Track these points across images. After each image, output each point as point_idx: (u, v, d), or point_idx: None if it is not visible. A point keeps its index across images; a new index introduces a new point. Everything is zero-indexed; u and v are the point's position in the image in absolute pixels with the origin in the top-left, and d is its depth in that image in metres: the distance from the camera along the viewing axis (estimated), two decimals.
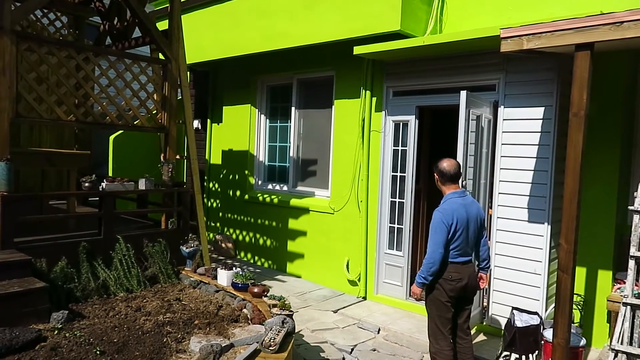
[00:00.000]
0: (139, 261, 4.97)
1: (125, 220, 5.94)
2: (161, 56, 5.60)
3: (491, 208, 5.28)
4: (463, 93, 4.65)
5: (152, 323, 3.86)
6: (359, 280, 6.35)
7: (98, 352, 3.26)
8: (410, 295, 3.86)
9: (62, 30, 6.94)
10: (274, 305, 3.97)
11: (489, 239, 5.26)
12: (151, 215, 6.42)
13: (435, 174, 3.88)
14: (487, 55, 5.15)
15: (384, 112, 6.12)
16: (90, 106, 4.98)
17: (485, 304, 5.34)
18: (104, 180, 5.06)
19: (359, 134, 6.33)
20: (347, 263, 6.53)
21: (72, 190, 5.71)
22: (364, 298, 6.30)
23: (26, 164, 5.28)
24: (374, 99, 6.22)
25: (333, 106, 6.79)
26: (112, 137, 8.62)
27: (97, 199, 5.41)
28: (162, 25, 6.14)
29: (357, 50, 5.71)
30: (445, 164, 3.81)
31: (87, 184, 4.91)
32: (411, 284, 5.99)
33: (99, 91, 5.10)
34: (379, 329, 5.28)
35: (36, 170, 6.34)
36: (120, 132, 8.62)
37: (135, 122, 5.66)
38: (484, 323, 5.26)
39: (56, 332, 3.56)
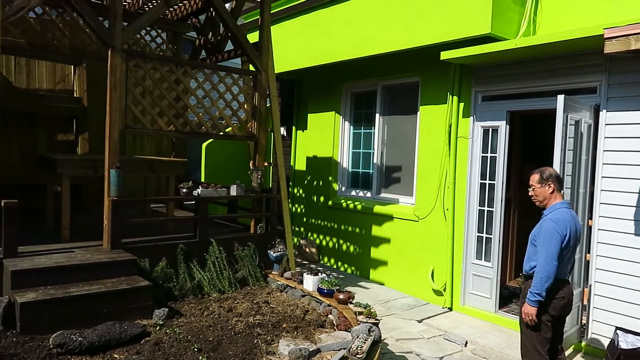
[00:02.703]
0: (230, 263, 5.22)
1: (217, 224, 6.26)
2: (252, 67, 5.85)
3: (591, 219, 4.93)
4: (560, 97, 4.40)
5: (244, 324, 4.03)
6: (444, 290, 6.20)
7: (196, 350, 3.47)
8: (522, 318, 3.54)
9: (162, 45, 7.49)
10: (360, 313, 3.99)
11: (589, 252, 4.92)
12: (240, 220, 6.70)
13: (546, 182, 3.54)
14: (587, 56, 4.84)
15: (471, 117, 5.94)
16: (187, 117, 5.32)
17: (584, 321, 4.99)
18: (199, 186, 5.37)
19: (445, 140, 6.19)
20: (432, 272, 6.39)
21: (170, 196, 6.12)
22: (450, 309, 6.13)
23: (131, 171, 5.74)
24: (462, 105, 6.05)
25: (418, 112, 6.71)
26: (204, 145, 9.13)
27: (192, 203, 5.76)
28: (251, 37, 6.42)
29: (444, 55, 5.59)
30: (555, 172, 3.61)
31: (184, 190, 5.26)
32: (501, 296, 5.80)
33: (196, 102, 5.43)
34: (467, 342, 5.12)
35: (139, 176, 6.87)
36: (211, 139, 9.11)
37: (227, 131, 5.97)
38: (583, 343, 4.92)
39: (158, 328, 3.83)
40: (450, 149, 6.12)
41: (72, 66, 7.22)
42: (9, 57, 6.65)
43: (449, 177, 6.16)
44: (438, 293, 6.30)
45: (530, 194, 3.69)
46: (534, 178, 3.63)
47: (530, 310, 3.42)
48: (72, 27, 6.45)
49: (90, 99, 7.10)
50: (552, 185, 3.55)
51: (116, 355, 3.36)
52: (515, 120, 6.15)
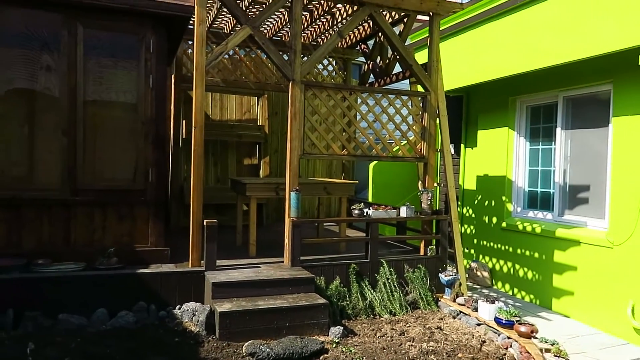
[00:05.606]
0: (400, 285, 5.21)
1: (386, 244, 6.32)
2: (420, 88, 5.84)
3: None
4: None
5: (417, 350, 3.97)
6: None
7: None
8: None
9: (332, 73, 7.92)
10: (547, 350, 3.64)
11: None
12: (408, 241, 6.67)
13: None
14: None
15: None
16: (358, 140, 5.51)
17: None
18: (370, 207, 5.49)
19: None
20: (632, 307, 5.53)
21: (342, 216, 6.38)
22: None
23: (308, 193, 6.13)
24: None
25: (610, 124, 5.93)
26: (371, 165, 9.34)
27: (361, 222, 5.92)
28: (418, 56, 6.42)
29: None
30: None
31: (356, 211, 5.43)
32: None
33: (366, 126, 5.60)
34: None
35: (313, 197, 7.32)
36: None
37: (396, 152, 6.02)
38: None
39: (334, 345, 3.99)
40: None
41: (256, 97, 8.06)
42: (207, 94, 7.71)
43: None
44: None
45: None
46: None
47: None
48: (257, 63, 7.22)
49: (271, 126, 7.83)
50: None
51: None
52: None
